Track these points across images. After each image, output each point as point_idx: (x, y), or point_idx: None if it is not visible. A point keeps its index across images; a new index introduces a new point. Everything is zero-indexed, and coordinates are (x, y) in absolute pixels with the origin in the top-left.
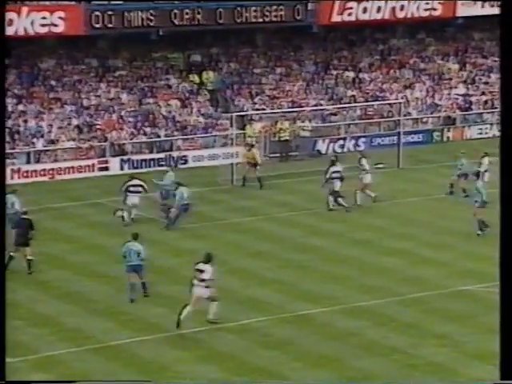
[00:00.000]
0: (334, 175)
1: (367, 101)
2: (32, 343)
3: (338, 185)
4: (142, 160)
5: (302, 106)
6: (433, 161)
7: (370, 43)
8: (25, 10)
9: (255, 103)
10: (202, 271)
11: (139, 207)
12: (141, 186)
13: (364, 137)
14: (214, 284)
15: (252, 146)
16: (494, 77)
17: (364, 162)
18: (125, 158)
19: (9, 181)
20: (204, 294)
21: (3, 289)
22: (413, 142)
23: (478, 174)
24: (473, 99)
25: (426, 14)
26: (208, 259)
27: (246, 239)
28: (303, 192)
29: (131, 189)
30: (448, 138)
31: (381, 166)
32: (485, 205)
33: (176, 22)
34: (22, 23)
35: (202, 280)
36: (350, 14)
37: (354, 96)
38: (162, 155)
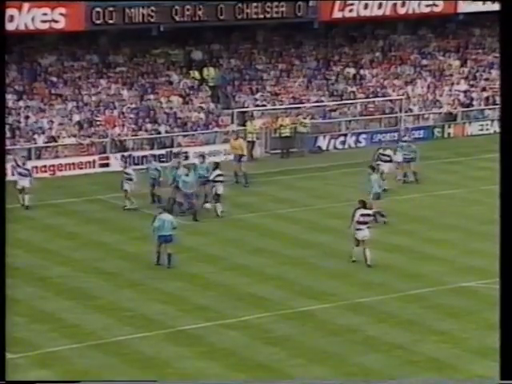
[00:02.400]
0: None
1: (368, 97)
2: (33, 339)
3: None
4: (142, 156)
5: (302, 103)
6: (434, 157)
7: (371, 39)
8: (26, 6)
9: (256, 99)
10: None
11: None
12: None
13: (365, 133)
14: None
15: (239, 136)
16: (495, 73)
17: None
18: (126, 154)
19: (9, 177)
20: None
21: (3, 287)
22: (414, 139)
23: (373, 167)
24: (474, 95)
25: (427, 10)
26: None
27: (246, 235)
28: (304, 188)
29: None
30: (449, 134)
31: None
32: (379, 196)
33: (177, 18)
34: (23, 19)
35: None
36: (351, 11)
37: (354, 92)
38: (163, 151)
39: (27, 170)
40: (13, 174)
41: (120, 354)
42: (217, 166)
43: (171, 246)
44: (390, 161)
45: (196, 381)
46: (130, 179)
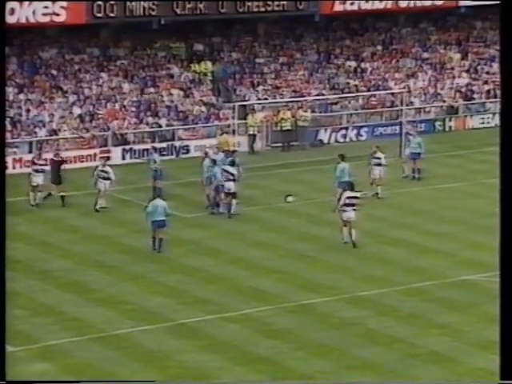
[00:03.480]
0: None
1: (369, 90)
2: (34, 332)
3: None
4: (143, 149)
5: (303, 96)
6: (435, 150)
7: (373, 32)
8: None
9: (257, 93)
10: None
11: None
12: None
13: (366, 126)
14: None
15: (224, 131)
16: (497, 66)
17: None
18: (127, 147)
19: (10, 170)
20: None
21: (3, 283)
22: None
23: (342, 156)
24: (475, 88)
25: (429, 3)
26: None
27: (247, 229)
28: (305, 181)
29: None
30: (450, 127)
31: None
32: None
33: (178, 11)
34: (24, 12)
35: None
36: (352, 4)
37: (356, 85)
38: (164, 145)
39: (42, 165)
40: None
41: (121, 347)
42: (233, 162)
43: (164, 231)
44: (380, 164)
45: (198, 381)
46: (107, 178)
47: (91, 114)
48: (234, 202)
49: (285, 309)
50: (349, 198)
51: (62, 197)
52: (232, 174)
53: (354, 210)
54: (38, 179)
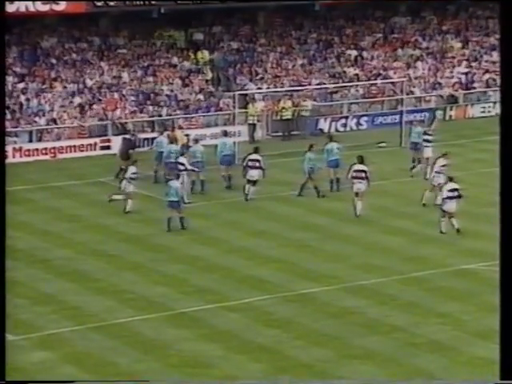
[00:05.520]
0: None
1: (369, 79)
2: (34, 321)
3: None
4: (144, 139)
5: (303, 85)
6: (435, 139)
7: (373, 21)
8: None
9: (257, 82)
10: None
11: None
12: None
13: (366, 115)
14: None
15: (176, 127)
16: (497, 55)
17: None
18: (127, 136)
19: (10, 159)
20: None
21: (3, 278)
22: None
23: (330, 137)
24: (475, 77)
25: None
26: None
27: (247, 218)
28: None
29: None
30: (450, 116)
31: (383, 144)
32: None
33: (178, 0)
34: (24, 1)
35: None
36: None
37: (356, 75)
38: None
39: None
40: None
41: (121, 336)
42: (256, 149)
43: (179, 210)
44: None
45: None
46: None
47: (91, 102)
48: (252, 188)
49: (285, 298)
50: (356, 171)
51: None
52: (258, 161)
53: (360, 183)
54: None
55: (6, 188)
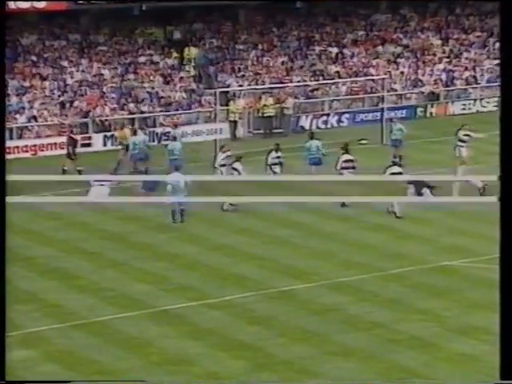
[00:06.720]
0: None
1: (351, 77)
2: (16, 319)
3: None
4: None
5: (284, 82)
6: (416, 136)
7: (354, 19)
8: None
9: (238, 79)
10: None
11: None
12: None
13: (347, 113)
14: None
15: (124, 126)
16: (477, 52)
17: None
18: (108, 134)
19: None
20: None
21: (3, 277)
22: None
23: (311, 134)
24: (456, 75)
25: None
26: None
27: (229, 215)
28: (287, 168)
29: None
30: (431, 113)
31: (364, 141)
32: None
33: None
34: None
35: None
36: None
37: (337, 72)
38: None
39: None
40: None
41: (103, 334)
42: (277, 147)
43: (181, 204)
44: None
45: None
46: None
47: (72, 100)
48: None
49: (267, 295)
50: (345, 161)
51: None
52: (278, 157)
53: (350, 172)
54: None
55: (5, 188)
